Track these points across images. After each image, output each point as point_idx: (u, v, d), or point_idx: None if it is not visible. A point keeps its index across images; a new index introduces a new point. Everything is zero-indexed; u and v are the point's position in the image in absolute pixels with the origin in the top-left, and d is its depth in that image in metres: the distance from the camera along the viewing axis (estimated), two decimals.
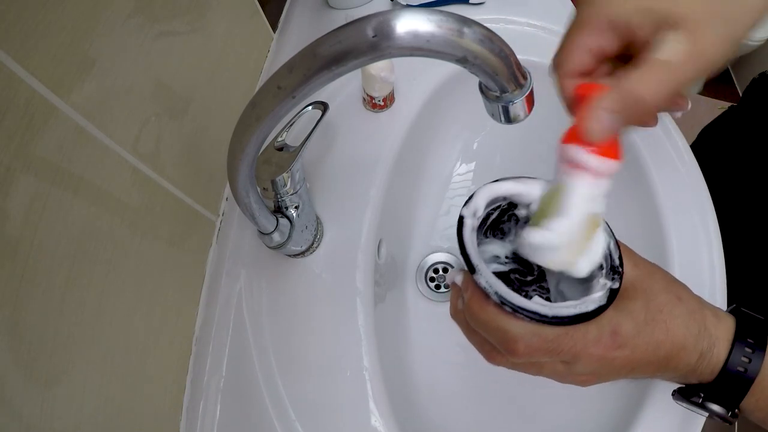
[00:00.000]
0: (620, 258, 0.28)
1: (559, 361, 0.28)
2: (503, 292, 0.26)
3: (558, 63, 0.30)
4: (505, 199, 0.30)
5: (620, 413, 0.43)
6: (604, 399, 0.46)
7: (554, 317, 0.26)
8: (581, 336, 0.27)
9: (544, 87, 0.33)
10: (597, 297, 0.27)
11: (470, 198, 0.29)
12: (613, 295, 0.27)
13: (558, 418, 0.48)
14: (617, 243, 0.29)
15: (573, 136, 0.26)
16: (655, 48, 0.26)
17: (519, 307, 0.26)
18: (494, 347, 0.29)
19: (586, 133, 0.26)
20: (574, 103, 0.29)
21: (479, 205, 0.29)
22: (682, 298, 0.30)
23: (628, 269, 0.29)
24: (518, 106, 0.27)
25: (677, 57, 0.25)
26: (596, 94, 0.26)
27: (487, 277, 0.26)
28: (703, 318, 0.30)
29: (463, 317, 0.30)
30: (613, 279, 0.27)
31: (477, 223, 0.29)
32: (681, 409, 0.39)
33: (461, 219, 0.29)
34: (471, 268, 0.27)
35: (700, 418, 0.39)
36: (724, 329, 0.30)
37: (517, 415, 0.50)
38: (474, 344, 0.31)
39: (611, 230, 0.29)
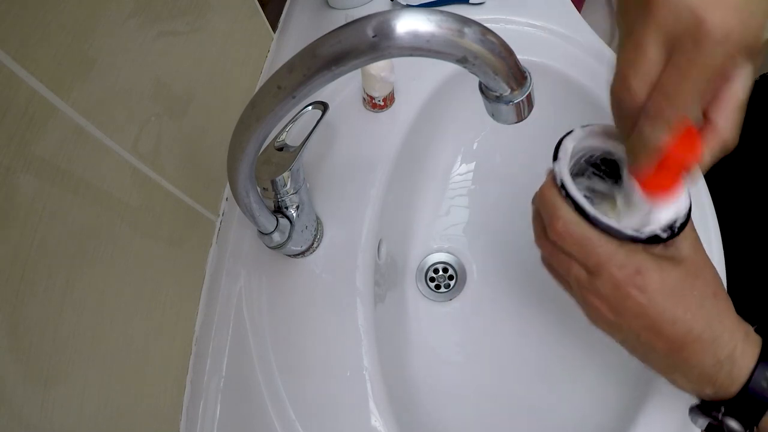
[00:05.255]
0: (681, 227, 0.30)
1: (584, 270, 0.30)
2: (565, 179, 0.30)
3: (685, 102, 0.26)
4: (596, 149, 0.33)
5: (620, 412, 0.43)
6: (604, 399, 0.46)
7: (593, 217, 0.29)
8: (612, 251, 0.29)
9: (544, 87, 0.33)
10: (637, 231, 0.29)
11: (572, 131, 0.33)
12: (652, 239, 0.29)
13: (558, 417, 0.48)
14: (689, 215, 0.31)
15: (658, 184, 0.29)
16: (738, 86, 0.28)
17: (569, 193, 0.30)
18: (544, 229, 0.32)
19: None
20: (659, 151, 0.28)
21: (578, 136, 0.32)
22: (719, 297, 0.30)
23: (687, 246, 0.31)
24: (518, 106, 0.27)
25: (747, 93, 0.27)
26: (695, 151, 0.27)
27: (561, 165, 0.31)
28: (733, 328, 0.30)
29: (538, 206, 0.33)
30: (662, 231, 0.29)
31: (572, 146, 0.32)
32: (680, 412, 0.39)
33: (562, 139, 0.32)
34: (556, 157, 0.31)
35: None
36: (752, 343, 0.30)
37: (517, 414, 0.50)
38: (534, 225, 0.34)
39: (690, 201, 0.31)
